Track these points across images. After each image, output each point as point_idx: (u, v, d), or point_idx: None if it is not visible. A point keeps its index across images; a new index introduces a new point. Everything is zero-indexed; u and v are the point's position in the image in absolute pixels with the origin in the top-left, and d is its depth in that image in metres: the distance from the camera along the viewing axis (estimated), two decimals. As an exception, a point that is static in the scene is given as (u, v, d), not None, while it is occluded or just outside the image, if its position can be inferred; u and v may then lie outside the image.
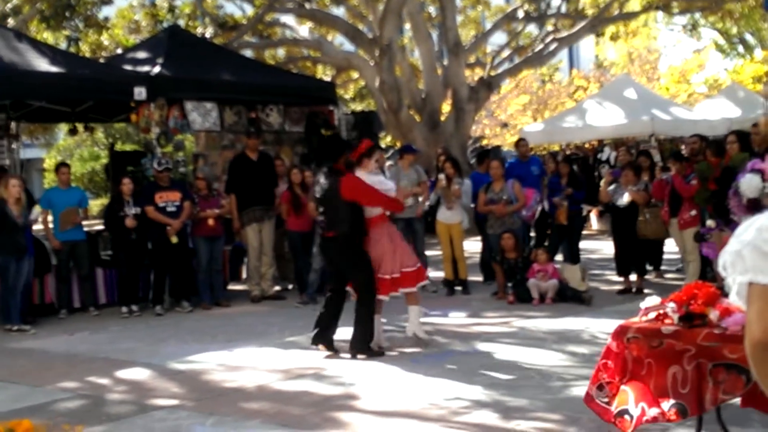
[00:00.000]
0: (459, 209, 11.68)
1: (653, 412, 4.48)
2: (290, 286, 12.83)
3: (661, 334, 4.61)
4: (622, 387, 4.65)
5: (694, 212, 10.20)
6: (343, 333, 8.44)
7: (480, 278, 12.39)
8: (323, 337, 8.47)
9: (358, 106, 25.32)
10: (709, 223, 7.96)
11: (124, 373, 7.95)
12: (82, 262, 11.38)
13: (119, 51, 16.94)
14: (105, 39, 18.76)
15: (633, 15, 22.18)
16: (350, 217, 8.29)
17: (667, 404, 4.48)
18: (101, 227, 11.99)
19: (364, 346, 8.22)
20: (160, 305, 11.31)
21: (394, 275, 8.27)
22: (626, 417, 4.56)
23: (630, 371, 4.66)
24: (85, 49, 18.21)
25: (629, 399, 4.57)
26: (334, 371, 7.62)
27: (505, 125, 30.34)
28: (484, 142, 29.40)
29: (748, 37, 34.86)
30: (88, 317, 11.22)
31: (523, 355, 7.88)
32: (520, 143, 13.45)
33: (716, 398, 4.46)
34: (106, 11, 19.14)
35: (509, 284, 10.94)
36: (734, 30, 34.42)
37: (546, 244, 12.10)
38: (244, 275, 13.22)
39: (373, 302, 8.32)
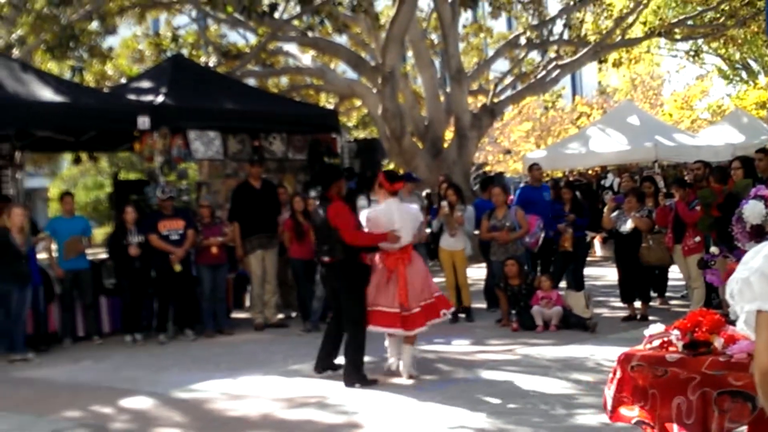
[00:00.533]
0: (462, 236, 11.68)
1: None
2: (293, 314, 12.81)
3: (666, 362, 4.58)
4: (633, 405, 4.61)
5: (698, 239, 10.18)
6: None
7: (484, 305, 12.36)
8: (324, 364, 8.47)
9: (361, 134, 25.40)
10: (713, 249, 7.94)
11: (127, 402, 7.92)
12: (86, 291, 11.38)
13: (123, 80, 17.05)
14: (109, 69, 18.88)
15: (635, 41, 22.27)
16: (341, 243, 8.17)
17: None
18: (105, 256, 11.98)
19: (355, 376, 8.15)
20: (164, 334, 11.29)
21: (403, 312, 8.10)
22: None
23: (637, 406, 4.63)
24: (89, 79, 18.32)
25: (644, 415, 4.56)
26: (337, 400, 7.58)
27: (508, 152, 30.42)
28: (487, 168, 29.45)
29: (752, 63, 34.96)
30: (92, 346, 11.20)
31: (527, 382, 7.85)
32: (534, 168, 13.45)
33: (722, 427, 4.42)
34: (110, 41, 19.27)
35: (513, 311, 10.91)
36: (737, 56, 34.54)
37: (550, 270, 12.07)
38: (247, 303, 13.21)
39: (361, 333, 8.23)
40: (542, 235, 12.19)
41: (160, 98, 12.30)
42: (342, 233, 8.12)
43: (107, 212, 22.62)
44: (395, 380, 8.27)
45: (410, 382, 8.19)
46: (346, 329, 8.31)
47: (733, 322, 4.65)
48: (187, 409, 7.57)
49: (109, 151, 16.71)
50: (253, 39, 20.77)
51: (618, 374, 4.72)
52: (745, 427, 4.52)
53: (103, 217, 25.49)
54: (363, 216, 8.41)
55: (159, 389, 8.36)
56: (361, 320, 8.20)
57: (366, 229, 8.25)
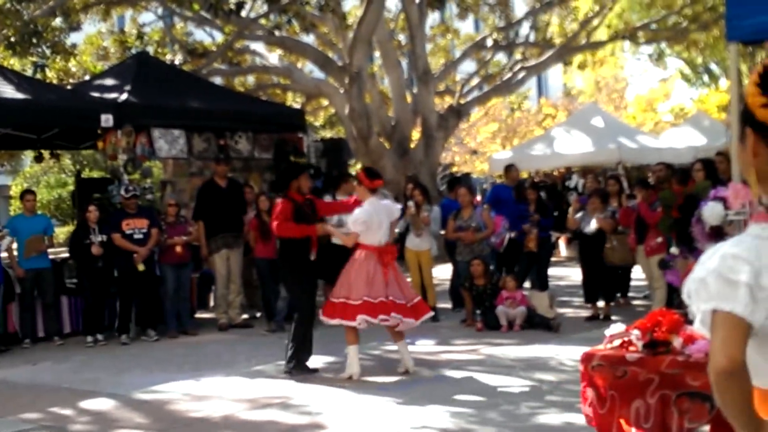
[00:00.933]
0: (428, 236, 11.69)
1: None
2: (258, 314, 12.75)
3: (626, 362, 4.62)
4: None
5: (660, 239, 10.27)
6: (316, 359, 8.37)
7: (449, 305, 12.38)
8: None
9: (327, 134, 25.35)
10: (673, 250, 8.02)
11: (88, 404, 7.83)
12: (47, 291, 11.24)
13: (87, 78, 16.84)
14: (72, 66, 18.64)
15: (600, 44, 22.43)
16: (280, 240, 8.61)
17: None
18: (67, 255, 11.84)
19: (295, 365, 8.49)
20: (126, 334, 11.17)
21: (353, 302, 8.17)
22: None
23: (591, 411, 4.65)
24: (52, 76, 18.10)
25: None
26: (300, 400, 7.56)
27: (474, 152, 30.52)
28: (454, 169, 29.54)
29: (713, 67, 35.37)
30: (53, 347, 11.05)
31: (491, 382, 7.87)
32: (512, 169, 13.50)
33: (682, 428, 4.47)
34: (74, 38, 19.04)
35: (477, 311, 10.94)
36: (699, 60, 34.93)
37: (515, 270, 12.13)
38: (211, 303, 13.11)
39: (306, 323, 8.56)
40: (508, 235, 12.25)
41: (124, 96, 12.17)
42: (272, 225, 8.50)
43: (70, 211, 22.37)
44: (360, 379, 8.25)
45: (395, 378, 8.25)
46: (294, 318, 8.72)
47: (692, 322, 4.72)
48: (149, 411, 7.50)
49: (72, 148, 16.51)
50: (219, 37, 20.64)
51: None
52: (707, 427, 4.57)
53: (65, 215, 25.21)
54: (351, 218, 8.42)
55: (120, 390, 8.28)
56: (305, 309, 8.62)
57: (354, 231, 8.36)
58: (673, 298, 10.52)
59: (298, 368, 8.54)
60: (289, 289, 9.07)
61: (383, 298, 8.12)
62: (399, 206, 9.39)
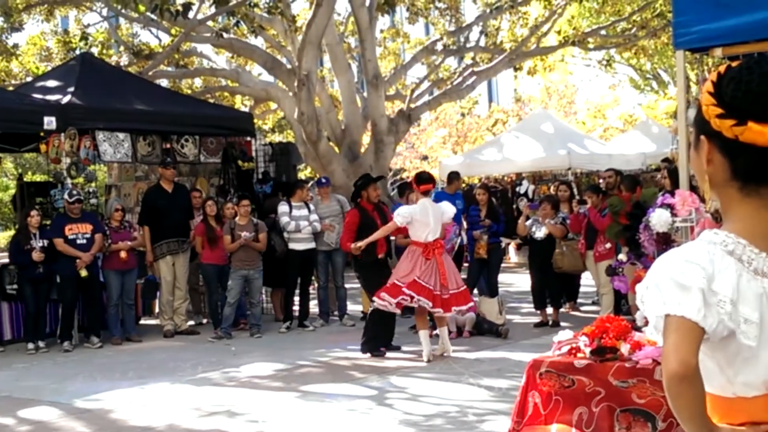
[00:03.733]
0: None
1: None
2: (204, 321, 12.60)
3: (574, 369, 4.59)
4: (522, 431, 4.62)
5: (608, 245, 10.32)
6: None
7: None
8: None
9: (276, 138, 25.19)
10: (621, 257, 8.04)
11: (28, 413, 7.66)
12: (-12, 297, 10.96)
13: (29, 79, 16.49)
14: (14, 66, 18.28)
15: (550, 50, 22.58)
16: None
17: None
18: (6, 260, 11.55)
19: (370, 347, 9.61)
20: (69, 341, 10.94)
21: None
22: None
23: (533, 411, 4.62)
24: (-6, 77, 17.75)
25: None
26: (246, 408, 7.45)
27: (425, 158, 30.56)
28: (405, 174, 29.54)
29: (662, 74, 35.88)
30: (-8, 354, 10.80)
31: (440, 389, 7.83)
32: (455, 177, 13.43)
33: None
34: (16, 38, 18.69)
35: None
36: (648, 66, 35.40)
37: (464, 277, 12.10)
38: (156, 309, 12.91)
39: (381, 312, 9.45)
40: (458, 241, 12.22)
41: (68, 98, 11.91)
42: None
43: (12, 215, 21.90)
44: (305, 387, 8.16)
45: (342, 385, 8.14)
46: None
47: (639, 329, 4.71)
48: (92, 420, 7.34)
49: (14, 151, 16.14)
50: (166, 39, 20.38)
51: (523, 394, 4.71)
52: None
53: (7, 220, 24.71)
54: (400, 212, 9.37)
55: (62, 399, 8.12)
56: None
57: (400, 222, 9.31)
58: (621, 305, 10.59)
59: (371, 351, 9.57)
60: (364, 285, 10.57)
61: (426, 284, 9.01)
62: (453, 208, 10.07)
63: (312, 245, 11.90)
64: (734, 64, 2.02)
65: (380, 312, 9.41)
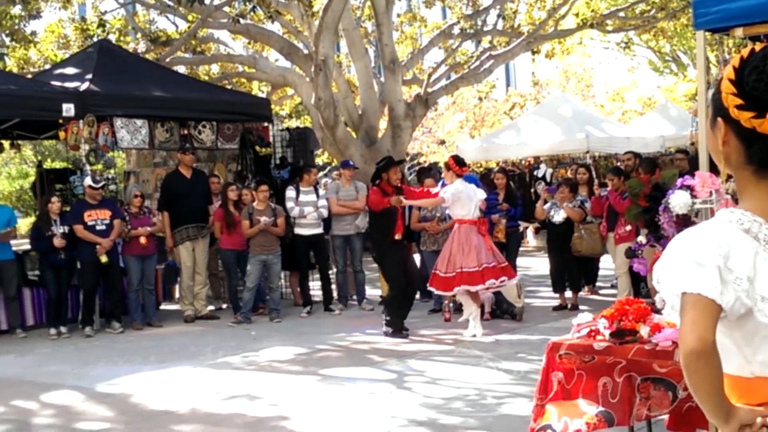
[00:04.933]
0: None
1: (576, 424, 4.46)
2: (224, 306, 12.66)
3: (593, 350, 4.60)
4: (547, 406, 4.63)
5: (629, 228, 10.27)
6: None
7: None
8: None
9: (293, 123, 25.18)
10: (640, 239, 8.00)
11: (51, 397, 7.73)
12: (10, 283, 11.04)
13: (47, 67, 16.55)
14: (33, 54, 18.32)
15: (568, 32, 22.41)
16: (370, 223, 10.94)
17: (594, 410, 4.48)
18: (28, 247, 11.64)
19: (393, 329, 9.84)
20: (90, 326, 11.02)
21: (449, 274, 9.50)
22: (549, 431, 4.55)
23: (557, 387, 4.64)
24: (12, 65, 17.78)
25: (552, 416, 4.57)
26: (267, 392, 7.49)
27: (442, 142, 30.47)
28: (422, 159, 29.48)
29: (681, 56, 35.58)
30: (15, 339, 10.89)
31: (459, 372, 7.85)
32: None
33: (642, 414, 4.49)
34: (33, 26, 18.72)
35: (445, 301, 10.92)
36: (667, 48, 35.10)
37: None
38: (177, 295, 12.98)
39: (399, 291, 9.94)
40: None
41: (86, 85, 11.95)
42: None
43: (32, 202, 22.06)
44: (325, 371, 8.20)
45: (362, 369, 8.14)
46: None
47: (659, 311, 4.70)
48: (113, 404, 7.40)
49: (33, 139, 16.22)
50: (183, 25, 20.37)
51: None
52: (666, 416, 4.57)
53: (27, 207, 24.86)
54: (448, 189, 9.62)
55: (84, 383, 8.19)
56: (395, 279, 9.98)
57: (448, 198, 9.64)
58: (640, 287, 10.56)
59: (395, 331, 9.75)
60: (381, 266, 10.52)
61: (477, 267, 9.42)
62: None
63: (319, 230, 11.90)
64: (758, 48, 2.00)
65: (398, 293, 9.86)
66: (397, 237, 10.14)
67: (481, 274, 9.47)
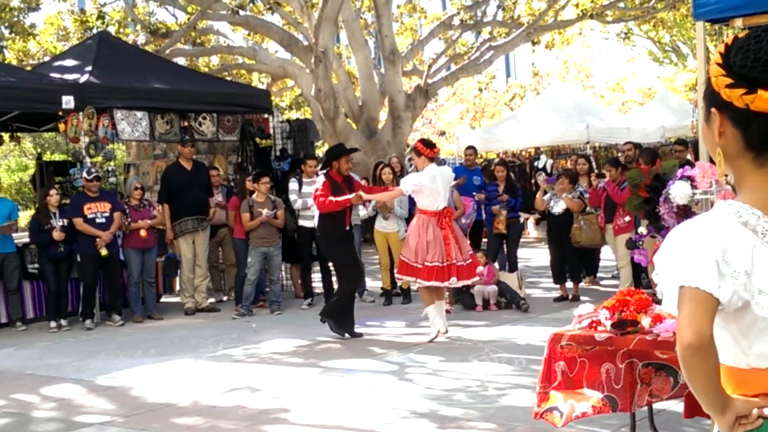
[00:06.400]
0: (395, 218, 11.62)
1: (583, 407, 4.48)
2: (224, 298, 12.66)
3: (594, 341, 4.60)
4: (551, 392, 4.64)
5: (627, 219, 10.27)
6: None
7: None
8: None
9: (294, 115, 25.17)
10: (641, 230, 8.00)
11: (51, 390, 7.72)
12: (11, 276, 11.04)
13: (47, 59, 16.53)
14: (32, 46, 18.31)
15: (568, 23, 22.40)
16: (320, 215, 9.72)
17: (598, 395, 4.50)
18: (28, 240, 11.63)
19: (334, 325, 9.29)
20: (90, 319, 11.01)
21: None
22: (555, 412, 4.57)
23: (560, 377, 4.65)
24: (11, 57, 17.77)
25: (558, 399, 4.58)
26: (268, 384, 7.49)
27: (442, 133, 30.47)
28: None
29: (681, 46, 35.51)
30: (15, 332, 10.88)
31: (460, 364, 7.84)
32: (468, 151, 13.41)
33: (644, 400, 4.50)
34: (33, 18, 18.72)
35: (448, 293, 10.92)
36: (667, 39, 35.05)
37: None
38: (177, 287, 12.98)
39: (352, 289, 9.48)
40: (474, 215, 12.23)
41: (86, 77, 11.93)
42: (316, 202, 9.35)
43: (32, 195, 22.06)
44: (326, 363, 8.20)
45: (363, 361, 8.15)
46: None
47: (660, 302, 4.71)
48: (114, 396, 7.40)
49: (32, 131, 16.22)
50: (182, 17, 20.36)
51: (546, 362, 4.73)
52: (667, 404, 4.58)
53: (27, 199, 24.86)
54: (407, 180, 9.03)
55: (85, 376, 8.18)
56: (349, 277, 9.43)
57: (407, 190, 9.01)
58: (641, 278, 10.56)
59: (337, 327, 9.28)
60: (332, 259, 9.92)
61: (439, 263, 8.70)
62: (452, 172, 9.81)
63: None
64: (741, 34, 2.02)
65: (353, 293, 9.48)
66: (348, 228, 9.47)
67: (439, 270, 8.76)
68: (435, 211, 8.81)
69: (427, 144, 9.16)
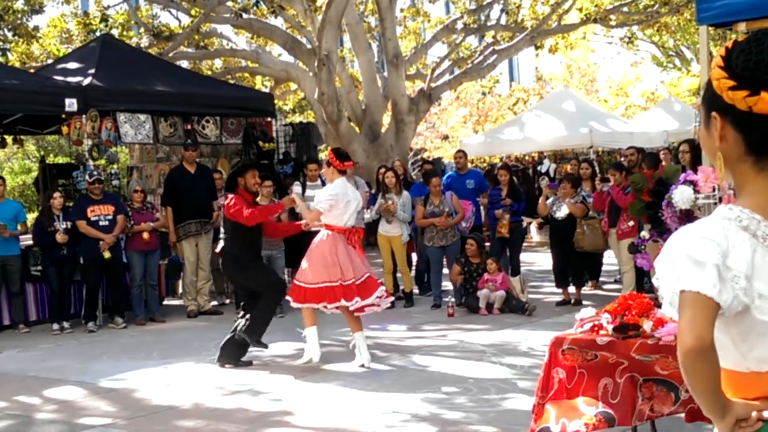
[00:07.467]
0: (398, 222, 11.62)
1: (575, 425, 4.46)
2: (227, 301, 12.67)
3: (596, 345, 4.60)
4: (546, 406, 4.63)
5: (631, 223, 10.26)
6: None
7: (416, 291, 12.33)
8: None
9: (297, 118, 25.19)
10: (643, 234, 8.00)
11: (54, 392, 7.73)
12: (14, 278, 11.05)
13: (50, 61, 16.56)
14: (35, 49, 18.34)
15: (571, 27, 22.42)
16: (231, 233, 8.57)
17: (593, 410, 4.48)
18: (31, 242, 11.64)
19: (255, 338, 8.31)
20: (93, 321, 11.02)
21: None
22: None
23: (558, 387, 4.63)
24: (15, 60, 17.81)
25: (550, 417, 4.56)
26: (269, 388, 7.49)
27: (446, 137, 30.47)
28: (426, 154, 29.48)
29: (685, 51, 35.53)
30: (18, 335, 10.89)
31: (462, 368, 7.84)
32: (457, 155, 13.37)
33: (644, 414, 4.48)
34: (36, 20, 18.74)
35: (450, 298, 10.90)
36: (670, 43, 35.07)
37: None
38: (180, 290, 12.98)
39: (276, 302, 8.77)
40: (472, 219, 12.22)
41: (89, 80, 11.95)
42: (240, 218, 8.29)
43: (35, 197, 22.08)
44: (327, 366, 8.20)
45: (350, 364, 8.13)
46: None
47: (662, 306, 4.70)
48: (116, 399, 7.40)
49: (36, 134, 16.24)
50: (186, 20, 20.40)
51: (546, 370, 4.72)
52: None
53: (30, 202, 24.88)
54: (317, 196, 8.35)
55: (87, 379, 8.18)
56: (272, 287, 8.57)
57: (318, 209, 8.15)
58: (644, 282, 10.55)
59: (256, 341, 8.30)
60: (246, 283, 8.80)
61: (342, 282, 7.91)
62: (366, 189, 9.28)
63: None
64: (741, 38, 2.02)
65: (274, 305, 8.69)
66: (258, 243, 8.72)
67: (343, 289, 7.94)
68: (342, 228, 8.12)
69: (340, 155, 8.29)
